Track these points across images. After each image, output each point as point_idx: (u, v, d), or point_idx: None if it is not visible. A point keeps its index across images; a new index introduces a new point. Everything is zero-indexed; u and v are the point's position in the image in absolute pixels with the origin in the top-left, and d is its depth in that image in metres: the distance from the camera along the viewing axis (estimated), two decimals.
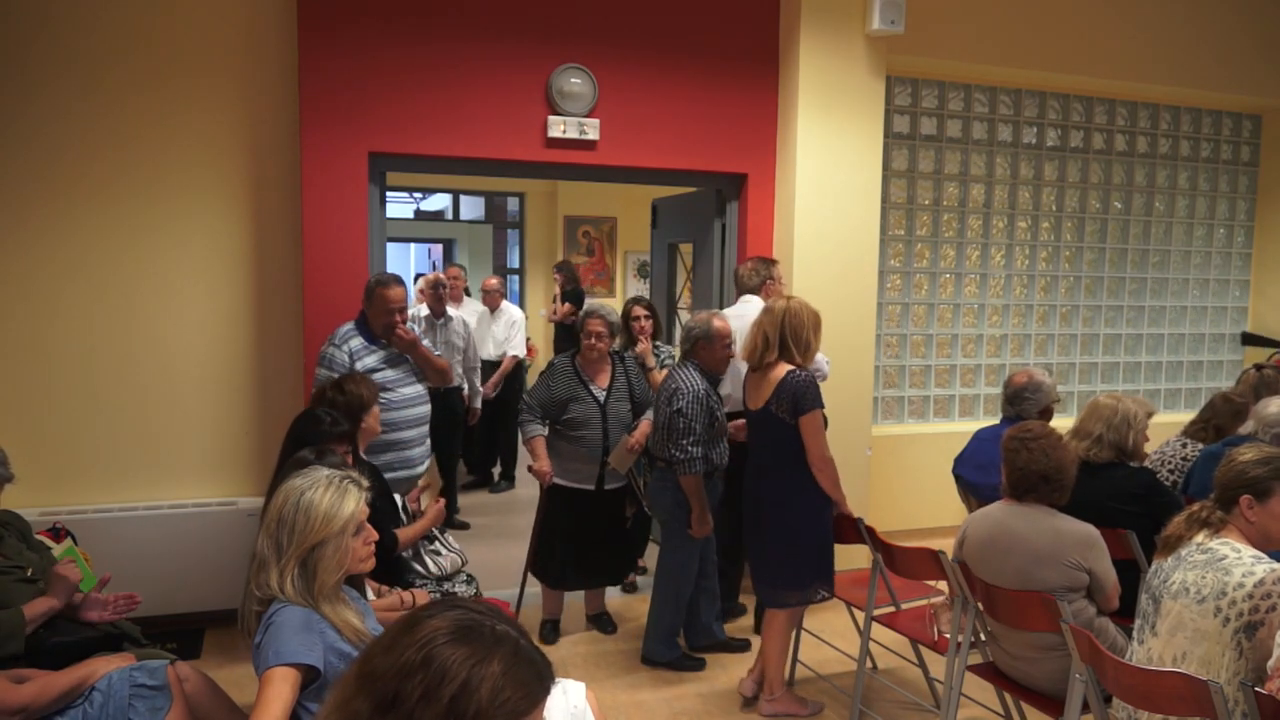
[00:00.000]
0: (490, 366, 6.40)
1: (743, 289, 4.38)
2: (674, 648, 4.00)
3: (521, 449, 4.69)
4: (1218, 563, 2.26)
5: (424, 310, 5.68)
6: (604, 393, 4.09)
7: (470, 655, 1.08)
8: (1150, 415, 3.39)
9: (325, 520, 2.02)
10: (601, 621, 4.36)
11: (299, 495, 2.03)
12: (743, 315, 4.07)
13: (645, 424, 4.08)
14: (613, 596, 4.62)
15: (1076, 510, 2.84)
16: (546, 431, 4.14)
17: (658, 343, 4.80)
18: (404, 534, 3.33)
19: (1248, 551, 2.26)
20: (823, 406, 3.41)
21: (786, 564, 3.47)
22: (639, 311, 4.65)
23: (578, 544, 4.14)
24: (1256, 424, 3.54)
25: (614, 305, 8.57)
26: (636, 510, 4.26)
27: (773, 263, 4.44)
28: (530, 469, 4.14)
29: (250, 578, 2.06)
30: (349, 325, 3.85)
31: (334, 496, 2.04)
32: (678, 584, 3.92)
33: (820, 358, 3.90)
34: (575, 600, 4.42)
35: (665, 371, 4.65)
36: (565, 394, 4.06)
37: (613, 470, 4.09)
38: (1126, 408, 3.35)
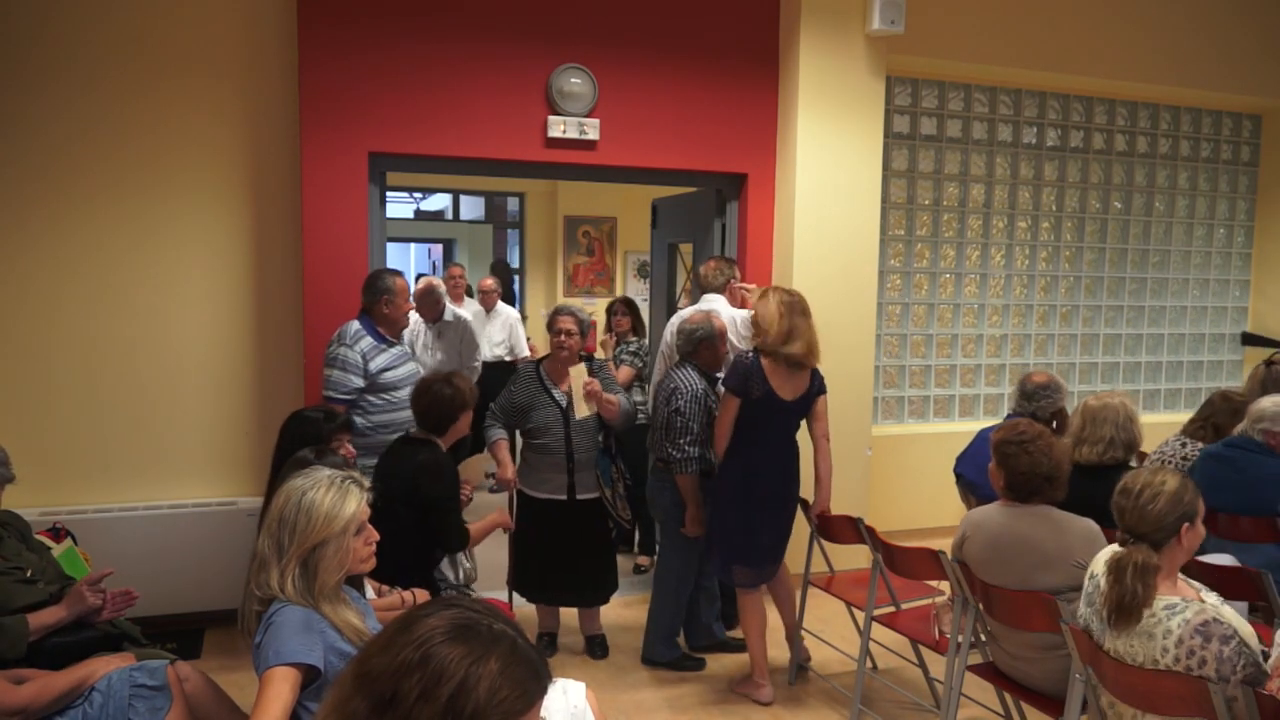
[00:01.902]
0: (487, 367, 6.37)
1: (707, 288, 4.37)
2: (674, 648, 4.00)
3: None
4: (1139, 630, 2.22)
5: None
6: (566, 397, 3.92)
7: (468, 654, 1.08)
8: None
9: (327, 520, 2.02)
10: (593, 645, 4.11)
11: (300, 495, 2.03)
12: (714, 314, 4.03)
13: (615, 398, 3.94)
14: (614, 598, 4.40)
15: (1077, 512, 2.84)
16: (506, 435, 4.00)
17: (632, 338, 5.18)
18: (475, 529, 3.29)
19: (1160, 604, 2.21)
20: None
21: (782, 542, 3.75)
22: (617, 308, 5.28)
23: (553, 558, 3.95)
24: (1247, 420, 3.52)
25: None
26: (616, 525, 4.11)
27: (734, 263, 4.52)
28: (491, 475, 4.04)
29: (250, 577, 2.06)
30: (356, 325, 3.83)
31: (335, 496, 2.04)
32: (677, 584, 3.92)
33: None
34: (572, 612, 4.24)
35: (625, 368, 4.97)
36: (526, 400, 3.92)
37: (584, 479, 3.93)
38: (1124, 405, 3.36)
